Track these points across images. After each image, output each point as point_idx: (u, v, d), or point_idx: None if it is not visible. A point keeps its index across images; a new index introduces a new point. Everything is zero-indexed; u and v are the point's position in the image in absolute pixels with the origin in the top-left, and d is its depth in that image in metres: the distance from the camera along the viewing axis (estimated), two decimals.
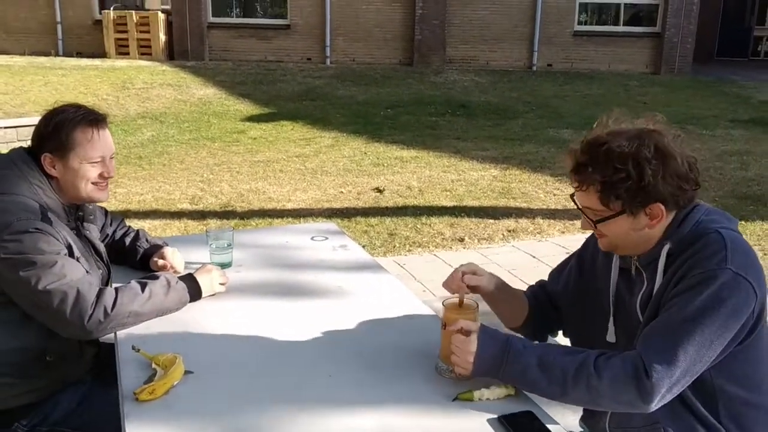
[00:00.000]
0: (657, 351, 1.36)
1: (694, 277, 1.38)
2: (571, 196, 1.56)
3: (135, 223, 2.35)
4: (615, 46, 14.21)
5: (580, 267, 1.73)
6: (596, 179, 1.44)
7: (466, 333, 1.48)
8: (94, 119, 1.83)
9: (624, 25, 14.61)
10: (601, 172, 1.43)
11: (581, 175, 1.47)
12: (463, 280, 1.63)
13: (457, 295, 1.62)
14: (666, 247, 1.46)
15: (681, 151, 1.45)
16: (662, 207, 1.44)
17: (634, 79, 13.06)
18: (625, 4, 14.66)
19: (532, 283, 1.87)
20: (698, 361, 1.36)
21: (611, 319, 1.61)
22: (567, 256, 1.82)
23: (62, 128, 1.79)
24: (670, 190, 1.43)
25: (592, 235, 1.73)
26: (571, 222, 5.24)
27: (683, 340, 1.34)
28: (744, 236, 1.48)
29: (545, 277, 1.85)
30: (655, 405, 1.36)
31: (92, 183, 1.83)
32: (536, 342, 1.66)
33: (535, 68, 14.05)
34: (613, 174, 1.42)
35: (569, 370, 1.39)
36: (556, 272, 1.81)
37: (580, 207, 1.52)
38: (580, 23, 14.38)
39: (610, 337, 1.61)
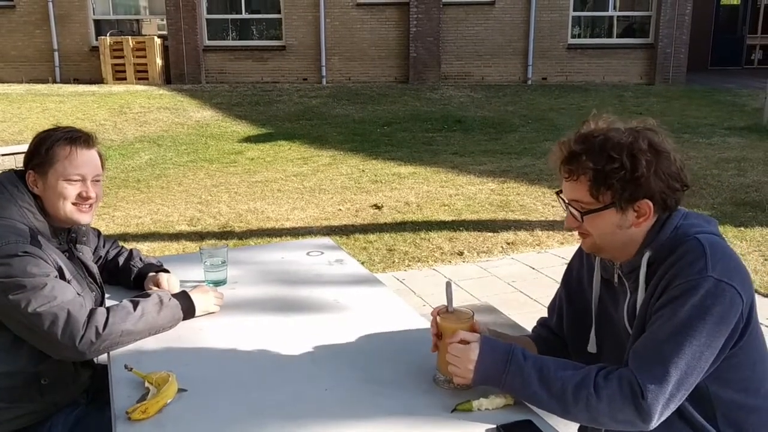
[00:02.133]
0: (648, 369, 1.33)
1: (677, 287, 1.36)
2: (557, 193, 1.54)
3: (133, 246, 2.34)
4: (609, 58, 14.30)
5: (569, 292, 1.72)
6: (589, 167, 1.42)
7: (466, 342, 1.46)
8: (76, 137, 1.81)
9: (617, 37, 14.71)
10: (594, 161, 1.41)
11: (573, 164, 1.45)
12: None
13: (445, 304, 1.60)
14: (646, 256, 1.45)
15: (673, 149, 1.45)
16: (650, 204, 1.43)
17: (628, 90, 13.11)
18: (618, 16, 14.80)
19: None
20: (691, 374, 1.33)
21: (593, 330, 1.60)
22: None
23: (43, 144, 1.79)
24: (661, 187, 1.41)
25: (573, 257, 1.73)
26: (570, 233, 5.22)
27: (672, 355, 1.32)
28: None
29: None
30: (655, 423, 1.34)
31: (72, 203, 1.80)
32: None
33: (530, 82, 14.12)
34: (606, 163, 1.40)
35: (569, 387, 1.37)
36: (551, 306, 1.80)
37: (567, 201, 1.50)
38: (573, 36, 14.49)
39: (591, 347, 1.60)
